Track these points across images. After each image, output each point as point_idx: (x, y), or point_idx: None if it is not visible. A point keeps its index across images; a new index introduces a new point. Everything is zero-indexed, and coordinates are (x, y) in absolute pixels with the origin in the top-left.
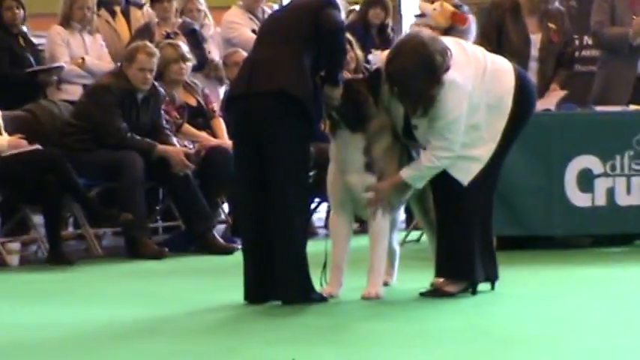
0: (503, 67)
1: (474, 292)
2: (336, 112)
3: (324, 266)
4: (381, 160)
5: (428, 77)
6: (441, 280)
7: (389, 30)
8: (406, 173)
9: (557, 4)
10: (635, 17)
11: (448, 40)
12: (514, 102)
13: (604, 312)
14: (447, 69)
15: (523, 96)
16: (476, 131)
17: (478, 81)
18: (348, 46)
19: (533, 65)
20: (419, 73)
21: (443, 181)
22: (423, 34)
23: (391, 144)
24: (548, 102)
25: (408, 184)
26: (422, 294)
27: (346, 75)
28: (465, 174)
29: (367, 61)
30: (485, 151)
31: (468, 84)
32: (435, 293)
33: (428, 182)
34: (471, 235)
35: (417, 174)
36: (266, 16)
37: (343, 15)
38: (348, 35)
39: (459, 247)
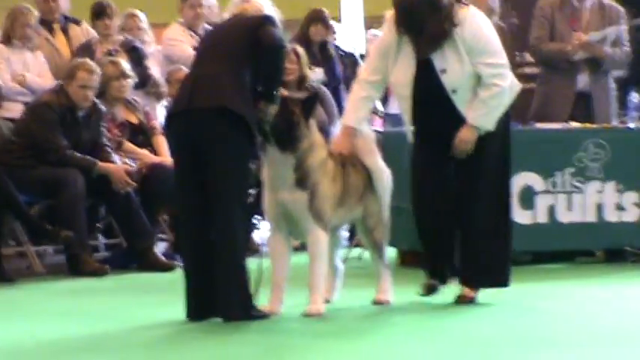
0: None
1: None
2: (270, 128)
3: (257, 284)
4: (314, 173)
5: (432, 12)
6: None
7: (330, 47)
8: (473, 118)
9: (496, 19)
10: (574, 32)
11: None
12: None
13: (544, 328)
14: (466, 3)
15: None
16: None
17: None
18: (294, 57)
19: None
20: (423, 6)
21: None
22: None
23: (324, 159)
24: None
25: (479, 129)
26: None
27: (283, 92)
28: (492, 119)
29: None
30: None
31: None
32: (469, 301)
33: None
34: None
35: (482, 111)
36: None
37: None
38: (301, 51)
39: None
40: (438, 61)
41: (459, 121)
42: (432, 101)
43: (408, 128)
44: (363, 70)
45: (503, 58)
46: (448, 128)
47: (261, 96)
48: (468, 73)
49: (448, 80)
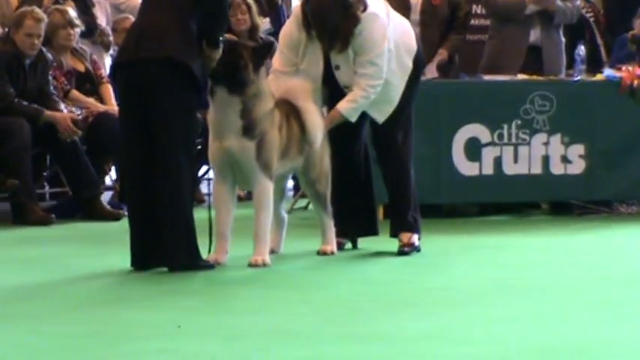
0: (401, 17)
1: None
2: (216, 66)
3: (210, 234)
4: (261, 123)
5: (342, 13)
6: (407, 235)
7: None
8: (343, 107)
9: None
10: None
11: None
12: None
13: (488, 279)
14: (365, 8)
15: (418, 47)
16: (390, 65)
17: (388, 17)
18: (245, 8)
19: (415, 30)
20: (334, 9)
21: (381, 140)
22: None
23: (272, 109)
24: (431, 69)
25: (344, 117)
26: (401, 253)
27: (232, 37)
28: (383, 114)
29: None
30: (398, 90)
31: (384, 17)
32: (412, 248)
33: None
34: (411, 184)
35: (352, 106)
36: None
37: None
38: (252, 1)
39: (410, 198)
40: (333, 57)
41: None
42: (336, 93)
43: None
44: (276, 61)
45: (381, 60)
46: None
47: (205, 41)
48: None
49: (340, 76)
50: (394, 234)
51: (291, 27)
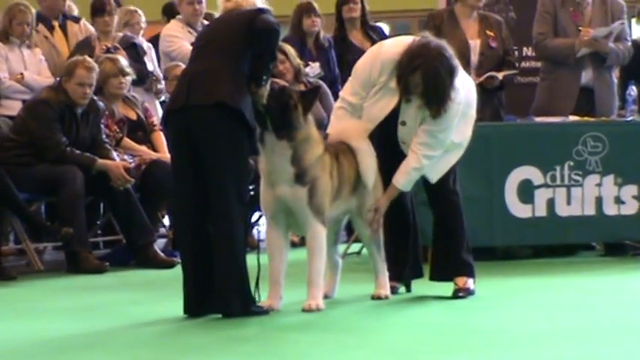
0: (469, 79)
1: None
2: (264, 110)
3: (257, 280)
4: (313, 168)
5: (452, 79)
6: (463, 279)
7: (323, 39)
8: (398, 181)
9: (495, 15)
10: (582, 28)
11: None
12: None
13: (542, 322)
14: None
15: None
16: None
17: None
18: (283, 57)
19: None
20: (447, 75)
21: (435, 185)
22: (432, 38)
23: (322, 154)
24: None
25: (401, 191)
26: (456, 297)
27: (281, 83)
28: (437, 174)
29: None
30: (455, 158)
31: (460, 91)
32: (467, 293)
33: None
34: (464, 227)
35: (406, 178)
36: None
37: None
38: (287, 47)
39: (464, 242)
40: (403, 112)
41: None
42: (390, 140)
43: None
44: (345, 89)
45: (444, 135)
46: (397, 159)
47: (251, 80)
48: None
49: (402, 132)
50: (449, 278)
51: (371, 69)
